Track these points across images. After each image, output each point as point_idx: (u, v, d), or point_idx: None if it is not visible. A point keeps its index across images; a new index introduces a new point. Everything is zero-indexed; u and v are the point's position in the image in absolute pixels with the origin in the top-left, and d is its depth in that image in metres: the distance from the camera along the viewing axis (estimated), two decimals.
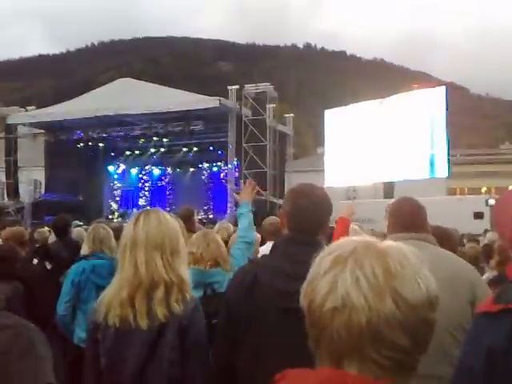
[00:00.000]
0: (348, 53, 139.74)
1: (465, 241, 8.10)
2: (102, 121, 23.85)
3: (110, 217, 27.12)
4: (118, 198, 31.14)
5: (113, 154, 29.55)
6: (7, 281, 3.59)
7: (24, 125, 26.49)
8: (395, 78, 70.19)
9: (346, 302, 0.82)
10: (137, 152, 28.82)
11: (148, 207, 3.73)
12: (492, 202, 17.70)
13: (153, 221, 2.18)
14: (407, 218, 2.47)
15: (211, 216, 25.57)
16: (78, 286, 4.01)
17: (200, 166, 29.65)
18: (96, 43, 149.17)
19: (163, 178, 31.77)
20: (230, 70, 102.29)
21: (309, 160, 36.05)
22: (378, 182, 22.81)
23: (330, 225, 2.35)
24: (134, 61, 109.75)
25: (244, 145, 22.85)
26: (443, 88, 21.39)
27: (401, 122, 20.69)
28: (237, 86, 23.52)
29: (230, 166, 23.40)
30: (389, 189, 21.73)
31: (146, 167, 31.30)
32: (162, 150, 27.72)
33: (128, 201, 31.14)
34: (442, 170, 20.48)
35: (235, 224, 4.16)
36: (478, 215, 17.89)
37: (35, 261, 4.79)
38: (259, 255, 3.62)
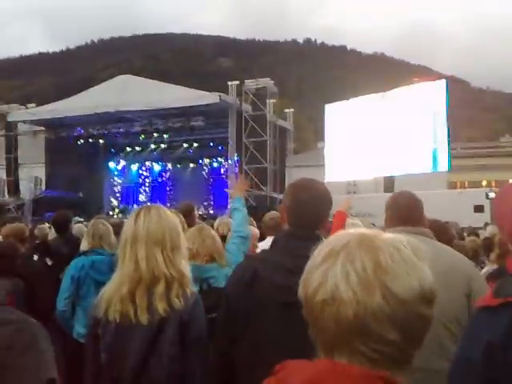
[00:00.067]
0: (348, 47, 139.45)
1: (465, 234, 8.11)
2: (102, 117, 23.85)
3: (111, 213, 27.14)
4: (118, 195, 31.16)
5: (113, 150, 29.56)
6: (8, 277, 3.60)
7: (24, 122, 26.52)
8: (396, 72, 69.99)
9: (335, 295, 0.83)
10: (137, 148, 28.81)
11: (148, 203, 3.73)
12: (492, 195, 17.70)
13: (153, 216, 2.18)
14: (404, 211, 2.48)
15: (212, 211, 25.58)
16: (78, 281, 4.01)
17: (200, 161, 29.66)
18: (96, 40, 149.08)
19: (163, 174, 31.78)
20: (230, 66, 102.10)
21: (309, 155, 36.06)
22: (378, 177, 22.79)
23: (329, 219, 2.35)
24: (134, 58, 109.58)
25: (244, 140, 22.83)
26: (444, 81, 21.33)
27: (402, 116, 20.64)
28: (237, 82, 23.49)
29: (230, 161, 23.39)
30: (389, 183, 21.70)
31: (147, 163, 31.32)
32: (163, 146, 27.69)
33: (128, 197, 31.17)
34: (442, 164, 20.46)
35: None
36: (479, 208, 17.90)
37: (35, 257, 4.79)
38: (258, 250, 3.61)
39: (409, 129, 20.32)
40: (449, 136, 20.21)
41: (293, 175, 22.97)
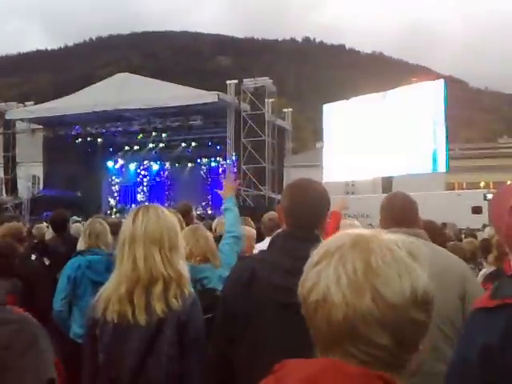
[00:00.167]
0: (347, 46, 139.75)
1: (462, 236, 8.11)
2: (100, 116, 23.83)
3: (109, 212, 27.13)
4: (116, 194, 31.14)
5: (111, 149, 29.52)
6: (5, 277, 3.59)
7: (22, 120, 26.48)
8: (394, 71, 70.13)
9: (326, 296, 0.84)
10: (135, 147, 28.80)
11: (146, 203, 3.74)
12: (490, 196, 17.70)
13: (152, 216, 2.18)
14: (398, 212, 2.48)
15: (210, 211, 25.57)
16: (74, 282, 3.99)
17: (198, 161, 29.65)
18: (94, 38, 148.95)
19: (162, 173, 31.77)
20: (229, 65, 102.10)
21: (308, 155, 36.06)
22: (377, 177, 22.79)
23: None
24: (133, 56, 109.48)
25: (243, 140, 22.82)
26: (442, 81, 21.33)
27: (400, 116, 20.63)
28: (235, 81, 23.48)
29: (228, 161, 23.38)
30: (387, 184, 21.69)
31: (145, 162, 31.30)
32: (161, 145, 27.70)
33: (126, 196, 31.16)
34: (441, 165, 20.47)
35: None
36: (477, 210, 17.91)
37: (33, 257, 4.78)
38: (256, 251, 3.61)
39: (407, 129, 20.32)
40: (447, 136, 20.22)
41: (291, 175, 22.96)
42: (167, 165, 31.27)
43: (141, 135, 26.43)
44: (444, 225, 9.04)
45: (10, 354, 1.19)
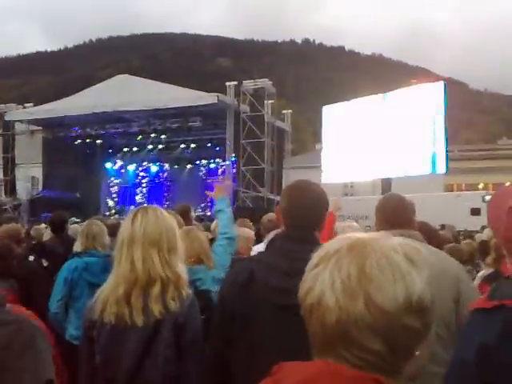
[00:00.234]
0: (346, 48, 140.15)
1: (461, 237, 8.12)
2: (99, 117, 23.84)
3: (108, 213, 27.13)
4: (115, 195, 31.13)
5: (110, 150, 29.54)
6: (3, 279, 3.58)
7: (22, 122, 26.50)
8: (394, 73, 70.14)
9: (321, 300, 0.84)
10: (134, 148, 28.81)
11: (145, 204, 3.72)
12: (489, 198, 17.70)
13: (150, 217, 2.18)
14: (390, 214, 2.48)
15: (209, 213, 25.57)
16: (71, 283, 3.99)
17: (198, 162, 29.65)
18: (94, 40, 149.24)
19: (161, 174, 31.76)
20: (229, 66, 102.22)
21: (307, 156, 36.06)
22: (376, 179, 22.79)
23: None
24: (132, 57, 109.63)
25: (242, 141, 22.83)
26: (442, 83, 21.34)
27: (400, 118, 20.64)
28: (235, 82, 23.50)
29: (227, 162, 23.38)
30: (386, 185, 21.67)
31: (144, 164, 31.29)
32: (160, 146, 27.70)
33: (125, 197, 31.15)
34: (440, 166, 20.48)
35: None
36: (475, 211, 17.92)
37: (31, 258, 4.78)
38: (253, 253, 3.61)
39: (407, 131, 20.32)
40: (446, 138, 20.23)
41: (290, 177, 22.96)
42: (166, 166, 31.26)
43: (140, 136, 26.44)
44: (442, 226, 9.05)
45: (9, 355, 1.19)
